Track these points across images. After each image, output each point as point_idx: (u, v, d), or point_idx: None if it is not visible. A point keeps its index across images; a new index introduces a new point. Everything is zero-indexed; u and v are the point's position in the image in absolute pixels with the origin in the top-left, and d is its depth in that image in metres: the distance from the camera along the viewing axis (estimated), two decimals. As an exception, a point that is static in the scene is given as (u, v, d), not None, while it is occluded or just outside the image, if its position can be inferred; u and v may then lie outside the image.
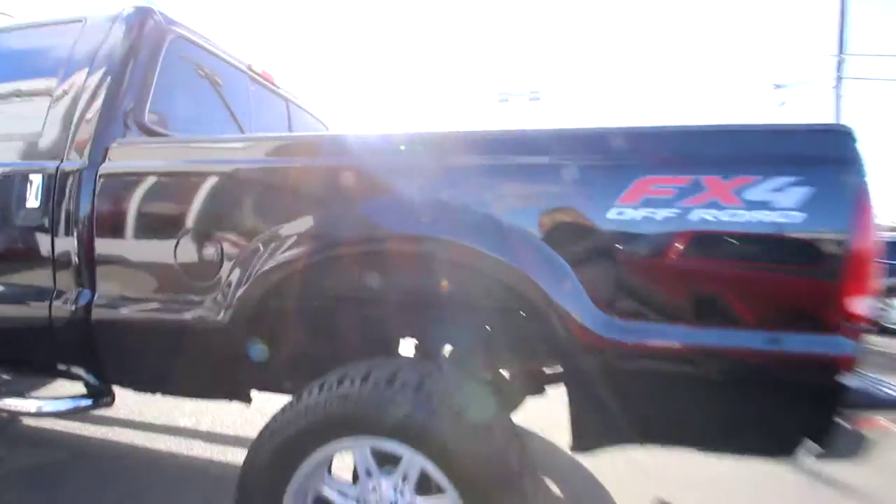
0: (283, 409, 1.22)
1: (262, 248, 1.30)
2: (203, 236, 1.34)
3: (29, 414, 1.65)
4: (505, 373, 1.72)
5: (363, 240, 1.27)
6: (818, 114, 14.61)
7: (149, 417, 2.83)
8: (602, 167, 1.12)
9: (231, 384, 1.43)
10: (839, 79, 14.23)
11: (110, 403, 1.63)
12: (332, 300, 1.48)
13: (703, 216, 1.06)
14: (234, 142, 1.67)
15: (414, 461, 1.14)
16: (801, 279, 1.05)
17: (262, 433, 1.23)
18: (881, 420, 1.10)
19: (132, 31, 1.62)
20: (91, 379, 1.56)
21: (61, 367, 1.58)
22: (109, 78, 1.56)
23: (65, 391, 1.65)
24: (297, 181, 1.34)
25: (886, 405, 1.08)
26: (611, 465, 2.43)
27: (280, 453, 1.18)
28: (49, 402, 1.57)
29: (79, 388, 1.66)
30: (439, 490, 1.17)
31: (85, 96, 1.56)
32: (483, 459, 1.06)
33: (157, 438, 2.59)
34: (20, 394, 1.67)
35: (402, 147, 1.28)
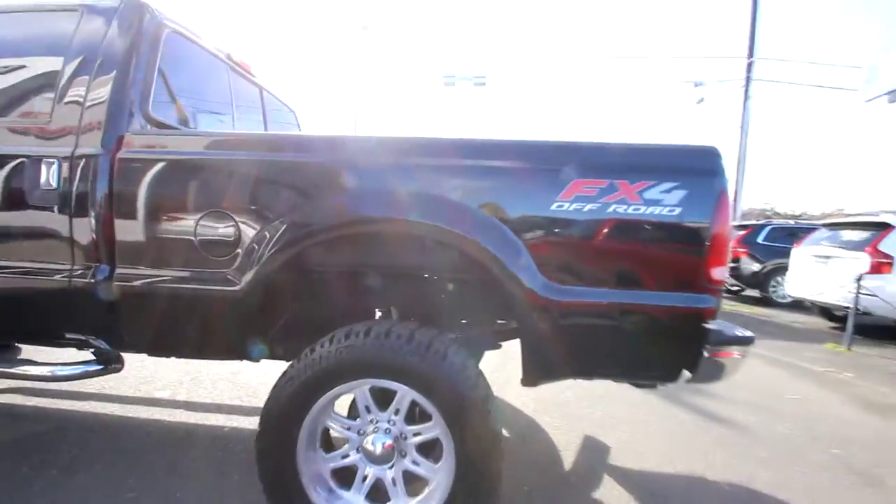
0: (299, 359, 1.51)
1: (270, 231, 1.57)
2: (217, 218, 1.59)
3: (42, 378, 1.78)
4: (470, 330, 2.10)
5: (354, 222, 1.58)
6: (733, 111, 16.13)
7: (125, 392, 2.96)
8: (548, 171, 1.50)
9: (241, 346, 1.70)
10: (748, 80, 15.79)
11: (120, 369, 1.83)
12: (326, 274, 1.77)
13: (616, 209, 1.47)
14: (234, 137, 1.89)
15: (406, 395, 1.48)
16: (680, 255, 1.50)
17: (280, 379, 1.52)
18: (733, 351, 1.59)
19: (132, 25, 1.77)
20: (103, 346, 1.76)
21: (75, 336, 1.75)
22: (115, 71, 1.71)
23: (66, 359, 1.82)
24: (294, 174, 1.62)
25: (735, 341, 1.56)
26: (546, 412, 2.92)
27: (297, 395, 1.48)
28: (62, 368, 1.75)
29: (84, 355, 1.84)
30: (423, 419, 1.53)
31: (93, 88, 1.69)
32: (460, 389, 1.43)
33: (137, 409, 2.75)
34: (32, 361, 1.80)
35: (407, 152, 1.59)
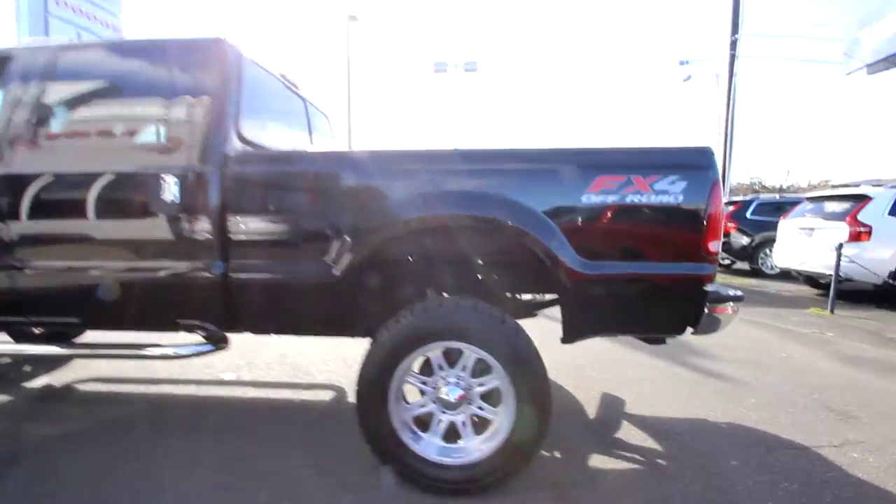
0: (387, 328, 1.89)
1: (358, 229, 1.94)
2: (315, 219, 1.96)
3: (165, 357, 2.15)
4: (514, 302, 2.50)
5: (423, 219, 1.95)
6: (718, 88, 16.53)
7: (195, 376, 3.34)
8: (580, 170, 1.88)
9: (335, 323, 2.08)
10: (733, 57, 16.12)
11: (224, 348, 2.20)
12: (406, 262, 2.16)
13: (632, 199, 1.86)
14: (326, 155, 2.26)
15: (471, 354, 1.87)
16: (683, 232, 1.89)
17: (372, 346, 1.90)
18: (728, 307, 1.99)
19: (222, 59, 2.11)
20: (213, 329, 2.13)
21: (189, 322, 2.12)
22: (213, 99, 2.06)
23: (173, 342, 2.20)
24: (376, 183, 1.98)
25: (729, 299, 1.97)
26: (566, 375, 3.34)
27: (387, 358, 1.86)
28: (181, 349, 2.12)
29: (194, 338, 2.22)
30: (484, 374, 1.92)
31: (196, 114, 2.04)
32: (517, 346, 1.82)
33: (209, 389, 3.13)
34: (157, 345, 2.18)
35: (472, 160, 1.98)
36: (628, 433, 2.51)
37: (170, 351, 2.12)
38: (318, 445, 2.33)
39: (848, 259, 5.89)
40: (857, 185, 7.17)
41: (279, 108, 2.64)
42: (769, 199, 10.29)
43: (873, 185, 6.77)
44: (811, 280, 7.74)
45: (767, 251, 8.90)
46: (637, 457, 2.27)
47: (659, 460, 2.25)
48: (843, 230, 6.27)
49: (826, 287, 6.56)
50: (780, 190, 26.32)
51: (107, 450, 2.26)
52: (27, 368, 3.50)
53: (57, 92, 2.16)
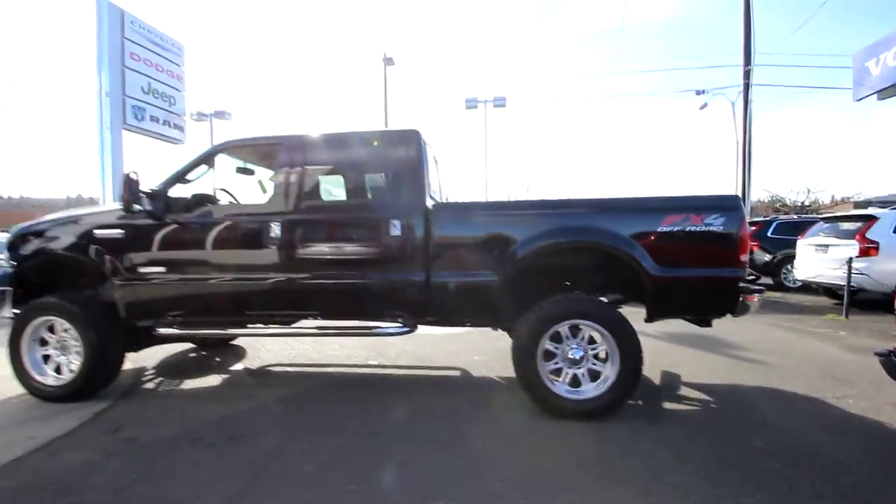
0: (533, 310, 2.98)
1: (511, 250, 3.07)
2: (492, 242, 3.11)
3: (381, 334, 3.31)
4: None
5: (571, 241, 3.06)
6: (734, 115, 17.60)
7: (348, 361, 4.47)
8: (661, 211, 2.99)
9: (497, 317, 3.20)
10: (747, 86, 17.13)
11: (413, 331, 3.32)
12: (547, 270, 3.27)
13: (690, 228, 2.95)
14: (489, 204, 3.46)
15: (587, 329, 2.96)
16: (723, 249, 2.97)
17: (520, 325, 2.99)
18: (755, 297, 3.04)
19: (419, 143, 3.32)
20: (408, 317, 3.26)
21: (395, 312, 3.26)
22: (414, 170, 3.26)
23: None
24: (523, 221, 3.13)
25: (754, 291, 3.02)
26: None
27: (534, 330, 2.95)
28: (391, 328, 3.26)
29: (392, 324, 3.35)
30: (592, 342, 2.99)
31: (406, 179, 3.26)
32: (620, 321, 2.90)
33: (356, 370, 4.26)
34: (379, 326, 3.33)
35: (594, 206, 3.14)
36: (685, 392, 3.54)
37: (392, 329, 3.25)
38: (464, 392, 3.42)
39: (858, 272, 6.80)
40: (865, 207, 8.07)
41: (433, 171, 3.84)
42: (788, 219, 11.18)
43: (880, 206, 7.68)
44: (829, 291, 8.59)
45: (789, 266, 9.76)
46: (694, 404, 3.30)
47: (711, 405, 3.27)
48: (853, 246, 7.19)
49: (842, 297, 7.42)
50: (802, 207, 26.93)
51: (323, 408, 3.40)
52: (217, 359, 4.69)
53: (315, 167, 3.41)
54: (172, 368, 4.39)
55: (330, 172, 3.57)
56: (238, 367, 4.41)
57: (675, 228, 2.96)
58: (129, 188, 3.22)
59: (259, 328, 3.60)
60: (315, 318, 3.44)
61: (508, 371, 3.16)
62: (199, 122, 18.24)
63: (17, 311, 3.57)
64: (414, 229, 3.16)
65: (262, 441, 2.73)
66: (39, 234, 3.66)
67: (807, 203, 27.70)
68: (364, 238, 3.30)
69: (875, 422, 2.94)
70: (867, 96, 15.52)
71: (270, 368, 4.37)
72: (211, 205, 3.67)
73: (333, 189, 3.65)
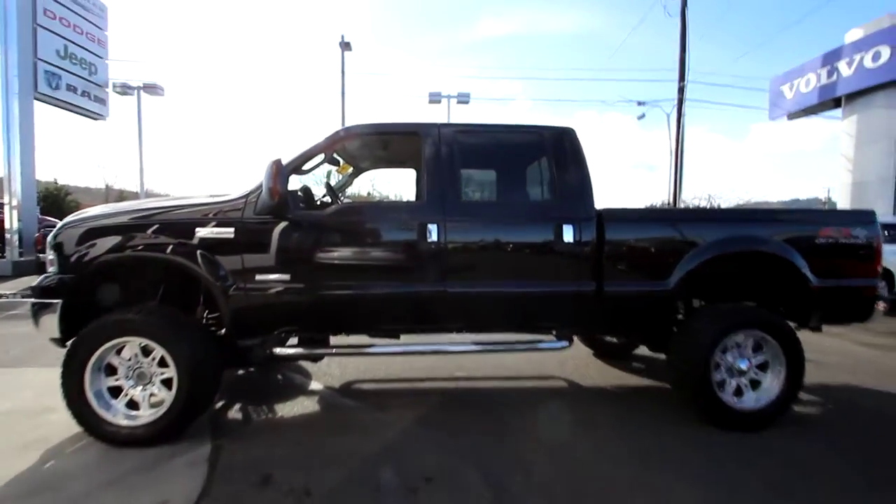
0: (709, 319, 2.97)
1: (680, 259, 3.01)
2: (667, 249, 3.03)
3: (542, 349, 3.07)
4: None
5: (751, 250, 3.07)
6: (668, 125, 19.32)
7: (433, 375, 4.13)
8: (818, 224, 3.11)
9: (664, 321, 3.17)
10: (681, 101, 18.82)
11: (569, 347, 3.13)
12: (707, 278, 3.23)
13: (841, 240, 3.12)
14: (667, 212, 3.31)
15: (750, 336, 2.99)
16: (867, 259, 3.18)
17: (694, 331, 2.97)
18: (881, 304, 3.29)
19: (578, 143, 3.14)
20: (567, 330, 3.07)
21: (551, 324, 3.05)
22: (581, 171, 3.07)
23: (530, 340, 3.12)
24: (718, 228, 3.12)
25: (888, 298, 3.27)
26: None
27: (712, 339, 2.92)
28: (546, 343, 3.04)
29: (547, 337, 3.14)
30: (758, 349, 3.04)
31: (574, 182, 3.04)
32: (787, 328, 2.98)
33: (439, 383, 3.97)
34: (539, 339, 3.08)
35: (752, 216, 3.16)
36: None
37: (546, 345, 3.03)
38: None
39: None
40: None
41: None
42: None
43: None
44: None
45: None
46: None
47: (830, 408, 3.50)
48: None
49: None
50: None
51: (434, 420, 3.11)
52: (279, 377, 4.10)
53: (468, 162, 3.07)
54: (237, 390, 3.75)
55: (485, 168, 3.23)
56: (316, 385, 3.89)
57: (829, 240, 3.11)
58: (281, 179, 2.64)
59: (392, 345, 3.18)
60: (459, 331, 3.11)
61: (607, 377, 3.11)
62: (124, 97, 15.94)
63: (63, 329, 2.81)
64: (586, 234, 2.98)
65: (466, 479, 2.39)
66: (109, 231, 2.88)
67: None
68: (534, 244, 3.05)
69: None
70: (780, 116, 17.83)
71: (358, 385, 3.90)
72: (342, 202, 3.17)
73: (491, 188, 3.33)
